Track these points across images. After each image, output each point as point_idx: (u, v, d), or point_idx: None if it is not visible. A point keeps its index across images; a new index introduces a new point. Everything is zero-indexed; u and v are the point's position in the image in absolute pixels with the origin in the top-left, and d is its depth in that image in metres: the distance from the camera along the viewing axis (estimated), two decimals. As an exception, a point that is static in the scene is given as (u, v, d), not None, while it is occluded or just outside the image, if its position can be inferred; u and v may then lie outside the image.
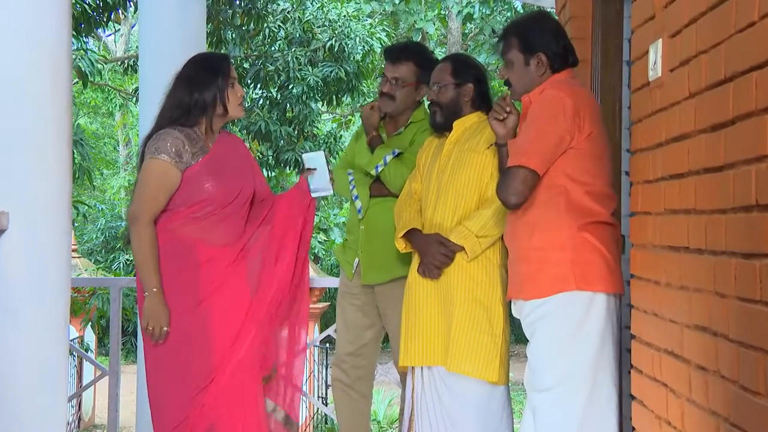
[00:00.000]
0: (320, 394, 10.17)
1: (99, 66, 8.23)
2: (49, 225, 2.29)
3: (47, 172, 2.29)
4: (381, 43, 11.10)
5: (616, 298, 2.72)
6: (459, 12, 12.75)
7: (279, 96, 11.02)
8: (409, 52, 3.53)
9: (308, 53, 10.74)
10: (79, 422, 9.69)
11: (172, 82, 3.00)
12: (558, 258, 2.65)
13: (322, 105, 12.04)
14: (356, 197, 3.49)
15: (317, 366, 10.14)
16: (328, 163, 3.07)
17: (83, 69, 7.53)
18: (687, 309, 2.15)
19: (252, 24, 9.84)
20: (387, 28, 12.61)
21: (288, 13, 10.64)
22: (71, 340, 8.66)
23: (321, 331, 11.39)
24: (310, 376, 9.60)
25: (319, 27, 10.81)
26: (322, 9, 10.83)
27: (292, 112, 11.08)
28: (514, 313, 2.86)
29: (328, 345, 10.04)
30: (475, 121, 3.25)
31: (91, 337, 9.81)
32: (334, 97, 11.10)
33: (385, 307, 3.48)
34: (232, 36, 9.86)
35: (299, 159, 10.88)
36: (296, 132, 11.13)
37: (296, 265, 3.07)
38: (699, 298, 2.07)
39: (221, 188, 2.94)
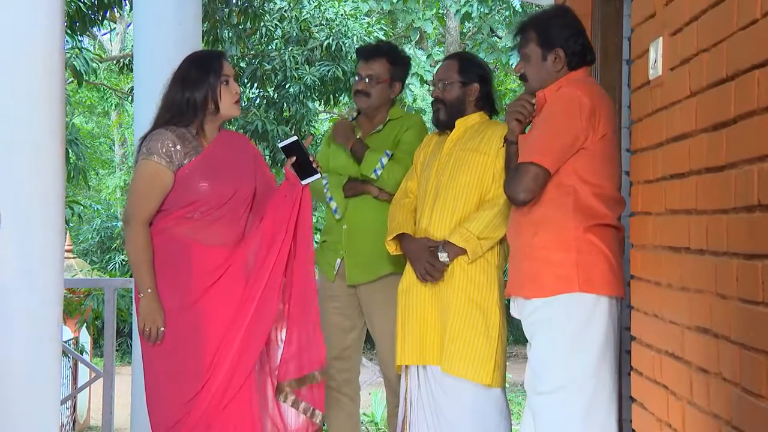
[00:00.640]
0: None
1: (94, 65, 8.19)
2: (42, 225, 2.27)
3: (40, 171, 2.26)
4: (379, 43, 11.05)
5: (618, 301, 2.70)
6: (457, 11, 12.72)
7: (276, 95, 10.99)
8: (381, 50, 3.57)
9: (305, 52, 10.71)
10: (74, 424, 9.66)
11: (168, 81, 2.98)
12: (562, 258, 2.63)
13: (320, 104, 12.01)
14: (330, 198, 3.49)
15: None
16: (304, 147, 3.03)
17: (78, 68, 7.50)
18: (688, 310, 2.13)
19: (248, 23, 9.82)
20: (384, 27, 12.59)
21: (285, 11, 10.62)
22: (66, 342, 8.65)
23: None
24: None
25: (316, 26, 10.78)
26: (319, 8, 10.79)
27: (289, 112, 11.05)
28: (513, 313, 2.84)
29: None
30: (478, 120, 3.23)
31: (86, 339, 9.78)
32: (331, 96, 11.07)
33: (369, 308, 3.47)
34: (228, 35, 9.83)
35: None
36: (293, 131, 11.10)
37: (292, 258, 3.02)
38: (700, 299, 2.05)
39: (215, 189, 2.91)
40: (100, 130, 21.28)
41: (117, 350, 13.97)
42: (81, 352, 8.51)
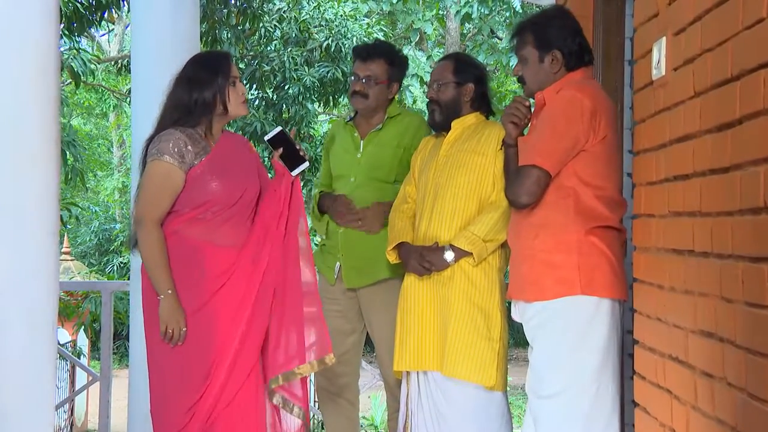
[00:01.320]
0: (316, 399, 10.09)
1: (92, 66, 8.16)
2: (36, 226, 2.24)
3: (34, 172, 2.23)
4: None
5: (621, 304, 2.67)
6: (457, 12, 12.71)
7: (275, 97, 10.96)
8: (379, 50, 3.53)
9: (304, 53, 10.69)
10: (71, 427, 9.63)
11: (172, 82, 2.96)
12: (563, 261, 2.60)
13: (319, 106, 11.99)
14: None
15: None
16: (290, 137, 3.00)
17: (76, 69, 7.47)
18: (692, 314, 2.10)
19: (247, 23, 9.80)
20: (384, 28, 12.56)
21: (284, 12, 10.59)
22: (63, 344, 8.64)
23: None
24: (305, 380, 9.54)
25: (315, 27, 10.76)
26: (318, 8, 10.77)
27: (288, 113, 11.03)
28: (515, 317, 2.81)
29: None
30: (474, 121, 3.21)
31: (84, 341, 9.75)
32: (330, 97, 11.05)
33: (369, 311, 3.44)
34: (227, 36, 9.81)
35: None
36: (290, 131, 11.08)
37: (285, 254, 2.99)
38: (704, 302, 2.03)
39: (226, 188, 2.90)
40: (99, 132, 21.26)
41: (115, 353, 14.03)
42: (79, 355, 8.48)
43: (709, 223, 2.00)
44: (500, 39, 13.69)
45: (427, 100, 3.29)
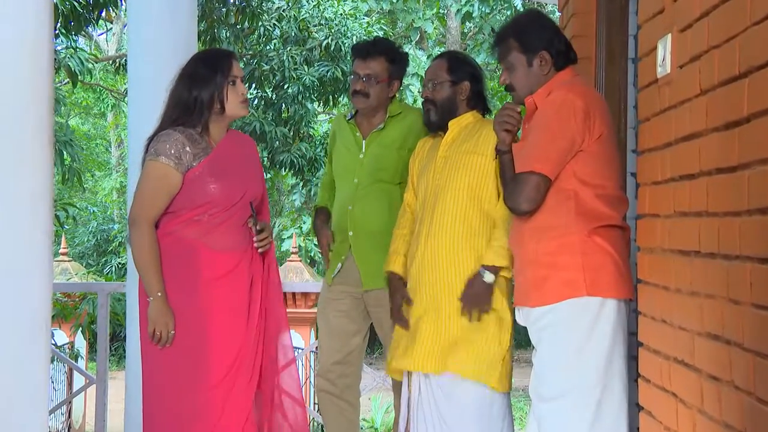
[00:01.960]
0: (316, 401, 10.03)
1: (89, 65, 8.13)
2: (30, 226, 2.20)
3: (27, 171, 2.19)
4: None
5: (626, 304, 2.64)
6: (458, 11, 12.68)
7: (274, 96, 10.93)
8: (379, 48, 3.47)
9: (304, 52, 10.65)
10: (69, 430, 9.60)
11: (174, 79, 2.94)
12: (567, 262, 2.56)
13: (318, 105, 11.96)
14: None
15: (313, 372, 10.04)
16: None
17: (73, 68, 7.44)
18: (698, 316, 2.07)
19: (246, 22, 9.77)
20: (384, 27, 12.55)
21: (283, 11, 10.55)
22: (61, 346, 8.61)
23: (317, 336, 11.22)
24: (305, 382, 9.49)
25: (315, 25, 10.72)
26: (318, 7, 10.74)
27: (288, 113, 11.00)
28: (519, 321, 2.78)
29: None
30: (471, 120, 3.16)
31: (81, 343, 9.72)
32: (330, 97, 11.02)
33: (379, 312, 3.40)
34: (226, 35, 9.78)
35: (295, 160, 10.78)
36: (291, 133, 11.05)
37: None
38: (711, 304, 1.99)
39: (224, 190, 2.87)
40: (97, 132, 21.23)
41: (113, 355, 13.99)
42: (76, 357, 8.45)
43: (716, 223, 1.97)
44: (501, 38, 13.64)
45: (423, 99, 3.25)
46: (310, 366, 9.92)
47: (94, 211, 16.47)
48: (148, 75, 3.50)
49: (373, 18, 12.88)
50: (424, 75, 3.33)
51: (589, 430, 2.55)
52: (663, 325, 2.32)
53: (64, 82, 11.97)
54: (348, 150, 3.48)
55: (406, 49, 13.03)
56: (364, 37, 10.65)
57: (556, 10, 4.11)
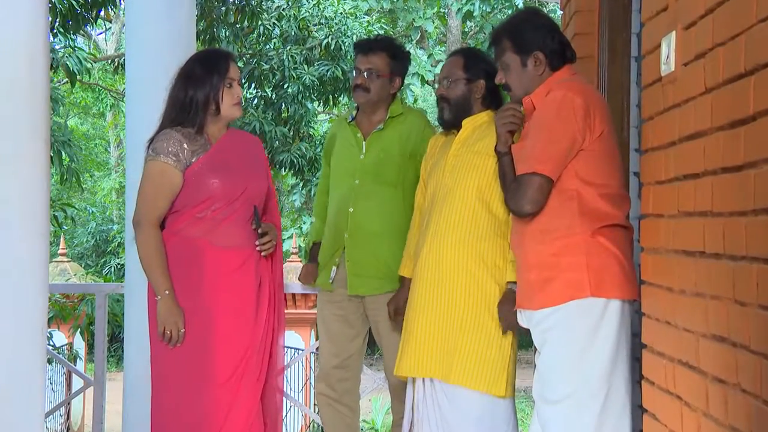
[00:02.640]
0: (316, 402, 9.97)
1: (87, 65, 8.11)
2: (25, 227, 2.17)
3: (22, 171, 2.16)
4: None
5: (630, 305, 2.61)
6: (459, 10, 12.64)
7: (274, 95, 10.90)
8: (380, 43, 3.47)
9: (304, 51, 10.62)
10: (68, 431, 9.58)
11: (173, 78, 2.97)
12: (571, 263, 2.54)
13: (318, 105, 11.92)
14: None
15: (313, 374, 10.01)
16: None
17: (71, 67, 7.41)
18: (703, 317, 2.04)
19: (246, 21, 9.74)
20: (385, 26, 12.51)
21: (283, 10, 10.52)
22: (59, 347, 8.58)
23: (318, 338, 11.18)
24: (306, 383, 9.46)
25: (315, 25, 10.69)
26: (318, 6, 10.71)
27: (288, 112, 10.96)
28: (521, 323, 2.75)
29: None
30: (486, 120, 3.11)
31: (80, 344, 9.70)
32: (330, 96, 10.98)
33: (377, 316, 3.38)
34: (225, 34, 9.75)
35: (295, 160, 10.75)
36: (291, 132, 11.01)
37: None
38: (716, 306, 1.96)
39: (226, 185, 2.89)
40: (96, 132, 21.21)
41: (112, 356, 13.96)
42: (75, 358, 8.43)
43: (721, 223, 1.94)
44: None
45: (437, 97, 3.21)
46: (311, 367, 9.90)
47: (93, 211, 16.45)
48: (146, 74, 3.48)
49: (374, 17, 12.84)
50: (430, 74, 3.31)
51: (595, 432, 2.52)
52: (667, 326, 2.29)
53: (62, 82, 11.94)
54: (348, 150, 3.44)
55: (407, 48, 13.01)
56: (365, 36, 10.63)
57: (557, 8, 4.07)
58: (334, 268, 3.39)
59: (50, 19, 7.25)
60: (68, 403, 9.35)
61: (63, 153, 7.81)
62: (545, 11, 3.04)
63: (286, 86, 10.65)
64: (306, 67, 10.57)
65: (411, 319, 3.04)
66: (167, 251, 2.86)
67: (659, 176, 2.37)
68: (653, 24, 2.42)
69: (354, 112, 3.55)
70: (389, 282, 3.31)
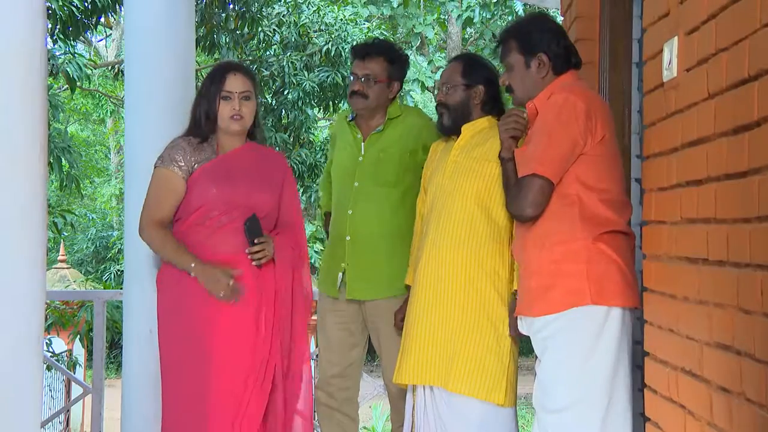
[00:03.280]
0: (315, 409, 9.94)
1: (87, 71, 8.10)
2: (21, 235, 2.15)
3: (19, 177, 2.14)
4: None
5: (632, 312, 2.59)
6: (459, 16, 12.64)
7: (274, 102, 10.88)
8: (377, 48, 3.42)
9: (304, 58, 10.61)
10: (67, 438, 9.56)
11: None
12: (571, 270, 2.51)
13: (319, 111, 11.91)
14: None
15: (313, 380, 9.93)
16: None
17: (71, 74, 7.41)
18: (707, 325, 2.01)
19: (246, 28, 9.73)
20: (385, 32, 12.50)
21: (283, 16, 10.51)
22: (59, 354, 8.55)
23: (317, 344, 11.15)
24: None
25: (315, 31, 10.68)
26: (318, 13, 10.69)
27: (288, 119, 10.95)
28: (521, 330, 2.73)
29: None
30: (486, 126, 3.09)
31: (80, 351, 9.67)
32: (330, 102, 10.97)
33: (376, 323, 3.34)
34: (225, 40, 9.74)
35: (295, 167, 10.73)
36: (291, 139, 11.00)
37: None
38: (720, 313, 1.94)
39: (223, 194, 2.91)
40: (96, 138, 21.20)
41: (112, 362, 13.91)
42: (74, 365, 8.40)
43: (725, 230, 1.92)
44: (502, 44, 13.62)
45: (436, 103, 3.19)
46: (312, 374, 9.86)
47: (93, 218, 16.42)
48: (145, 81, 3.45)
49: (374, 23, 12.84)
50: (430, 81, 3.29)
51: (597, 442, 2.50)
52: (670, 334, 2.27)
53: (63, 88, 11.93)
54: (347, 152, 3.42)
55: (407, 54, 13.00)
56: (354, 44, 10.61)
57: (558, 14, 4.06)
58: (340, 273, 3.36)
59: (50, 25, 7.28)
60: (68, 410, 9.31)
61: (63, 159, 7.79)
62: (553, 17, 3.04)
63: (286, 92, 10.65)
64: (306, 73, 10.56)
65: (410, 326, 3.01)
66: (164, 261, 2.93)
67: (661, 182, 2.35)
68: (655, 29, 2.41)
69: (352, 115, 3.53)
70: (388, 287, 3.27)
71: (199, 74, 7.77)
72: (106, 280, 14.27)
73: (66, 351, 8.73)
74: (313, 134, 12.03)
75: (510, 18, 12.78)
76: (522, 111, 2.69)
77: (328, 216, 3.56)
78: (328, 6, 11.10)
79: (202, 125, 2.96)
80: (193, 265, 2.85)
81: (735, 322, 1.86)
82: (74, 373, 8.71)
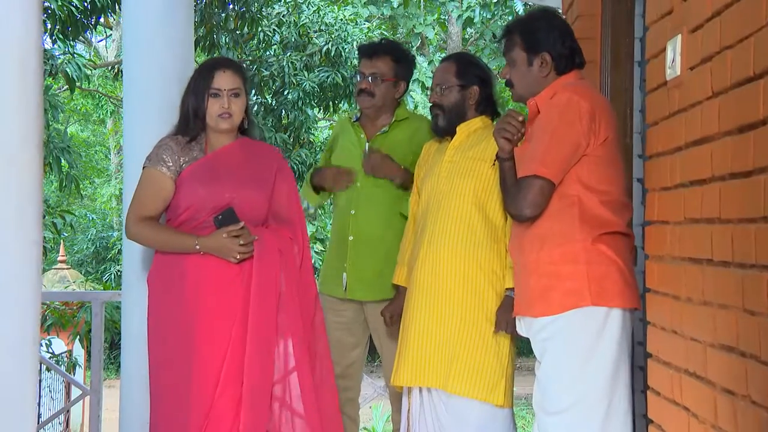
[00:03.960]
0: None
1: (87, 71, 8.08)
2: (16, 235, 2.12)
3: (14, 178, 2.11)
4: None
5: (632, 313, 2.56)
6: (459, 16, 12.63)
7: (274, 102, 10.86)
8: (385, 47, 3.43)
9: (304, 58, 10.58)
10: (67, 439, 9.53)
11: None
12: (571, 272, 2.49)
13: (319, 111, 11.88)
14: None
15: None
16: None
17: (70, 74, 7.39)
18: (711, 327, 1.99)
19: (246, 28, 9.70)
20: (385, 32, 12.49)
21: (283, 16, 10.49)
22: (59, 355, 8.53)
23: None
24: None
25: (315, 31, 10.65)
26: (318, 13, 10.66)
27: (288, 119, 10.92)
28: (520, 332, 2.70)
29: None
30: (480, 126, 3.08)
31: (80, 351, 9.65)
32: (330, 103, 10.93)
33: (377, 324, 3.33)
34: (225, 40, 9.71)
35: (295, 167, 10.71)
36: (292, 139, 10.97)
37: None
38: (725, 315, 1.92)
39: (210, 193, 2.87)
40: (96, 139, 21.18)
41: (112, 363, 13.88)
42: (74, 365, 8.38)
43: (730, 230, 1.90)
44: (502, 44, 13.60)
45: (430, 104, 3.17)
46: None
47: (93, 218, 16.40)
48: (144, 81, 3.43)
49: (374, 23, 12.81)
50: (432, 78, 3.26)
51: (597, 444, 2.48)
52: (673, 335, 2.25)
53: (63, 89, 11.91)
54: (350, 151, 3.40)
55: (408, 54, 12.96)
56: (361, 43, 10.58)
57: (560, 13, 4.04)
58: (344, 274, 3.34)
59: (49, 25, 7.27)
60: (67, 411, 9.29)
61: (63, 160, 7.78)
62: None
63: (286, 93, 10.62)
64: (306, 73, 10.52)
65: (407, 328, 2.99)
66: (155, 259, 2.92)
67: (665, 182, 2.32)
68: (658, 27, 2.38)
69: (358, 114, 3.51)
70: (389, 289, 3.26)
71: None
72: (106, 281, 14.24)
73: (66, 352, 8.71)
74: (313, 134, 12.00)
75: (510, 18, 12.76)
76: (519, 114, 2.65)
77: (315, 170, 3.53)
78: (328, 6, 11.07)
79: (190, 123, 2.92)
80: (196, 242, 2.81)
81: (740, 324, 1.84)
82: (74, 374, 8.68)
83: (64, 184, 7.77)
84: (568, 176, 2.52)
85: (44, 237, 8.96)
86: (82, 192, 10.45)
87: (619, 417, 2.51)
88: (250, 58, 10.63)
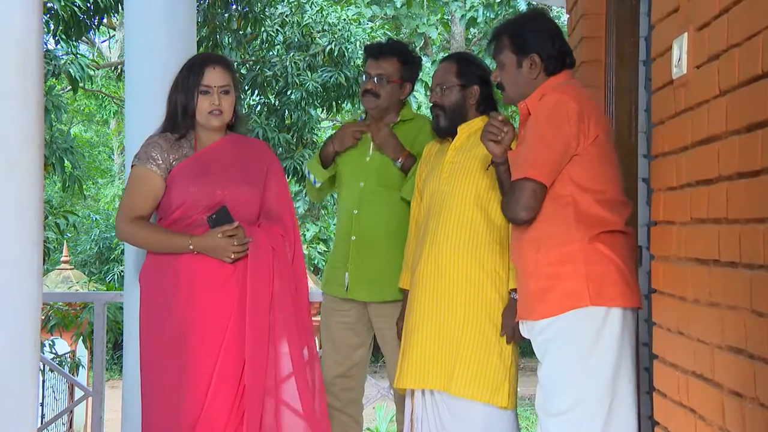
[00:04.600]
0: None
1: (90, 71, 8.08)
2: (17, 235, 2.11)
3: (15, 178, 2.10)
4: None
5: (633, 313, 2.54)
6: (462, 16, 12.62)
7: (277, 102, 10.84)
8: (391, 48, 3.40)
9: (307, 58, 10.56)
10: (71, 439, 9.54)
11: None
12: (569, 272, 2.47)
13: (322, 111, 11.87)
14: (308, 173, 3.42)
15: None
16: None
17: (73, 74, 7.38)
18: (719, 328, 1.97)
19: (249, 28, 9.68)
20: (388, 33, 12.46)
21: (286, 16, 10.47)
22: (62, 355, 8.52)
23: (320, 347, 11.11)
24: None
25: (318, 31, 10.62)
26: (321, 13, 10.64)
27: (291, 119, 10.90)
28: (523, 334, 2.69)
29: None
30: (481, 126, 3.05)
31: (83, 352, 9.66)
32: (333, 103, 10.91)
33: (381, 323, 3.32)
34: (228, 40, 9.69)
35: (298, 167, 10.70)
36: (295, 139, 10.95)
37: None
38: (733, 316, 1.90)
39: (201, 191, 2.85)
40: (99, 139, 21.21)
41: (116, 363, 13.88)
42: (77, 366, 8.38)
43: (737, 230, 1.87)
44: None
45: (431, 104, 3.16)
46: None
47: (96, 219, 16.39)
48: (146, 81, 3.42)
49: (377, 24, 12.79)
50: (431, 79, 3.24)
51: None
52: (680, 337, 2.22)
53: (66, 89, 11.91)
54: (354, 151, 3.38)
55: (412, 54, 12.94)
56: (368, 43, 10.54)
57: (563, 12, 4.02)
58: (347, 274, 3.33)
59: (52, 26, 7.27)
60: (71, 411, 9.29)
61: (66, 160, 7.77)
62: (550, 15, 2.99)
63: (289, 93, 10.60)
64: (309, 73, 10.50)
65: (410, 330, 2.97)
66: (146, 259, 2.90)
67: (670, 182, 2.30)
68: (664, 26, 2.36)
69: (363, 115, 3.49)
70: (390, 290, 3.24)
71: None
72: (109, 281, 14.24)
73: (69, 352, 8.71)
74: (317, 135, 11.98)
75: (513, 17, 12.75)
76: (498, 113, 2.65)
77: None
78: (332, 6, 11.05)
79: (179, 120, 2.88)
80: (190, 241, 2.79)
81: (748, 325, 1.82)
82: (78, 375, 8.68)
83: (67, 185, 7.76)
84: (561, 177, 2.50)
85: (47, 237, 8.94)
86: (85, 192, 10.45)
87: (621, 418, 2.50)
88: (253, 58, 10.61)
